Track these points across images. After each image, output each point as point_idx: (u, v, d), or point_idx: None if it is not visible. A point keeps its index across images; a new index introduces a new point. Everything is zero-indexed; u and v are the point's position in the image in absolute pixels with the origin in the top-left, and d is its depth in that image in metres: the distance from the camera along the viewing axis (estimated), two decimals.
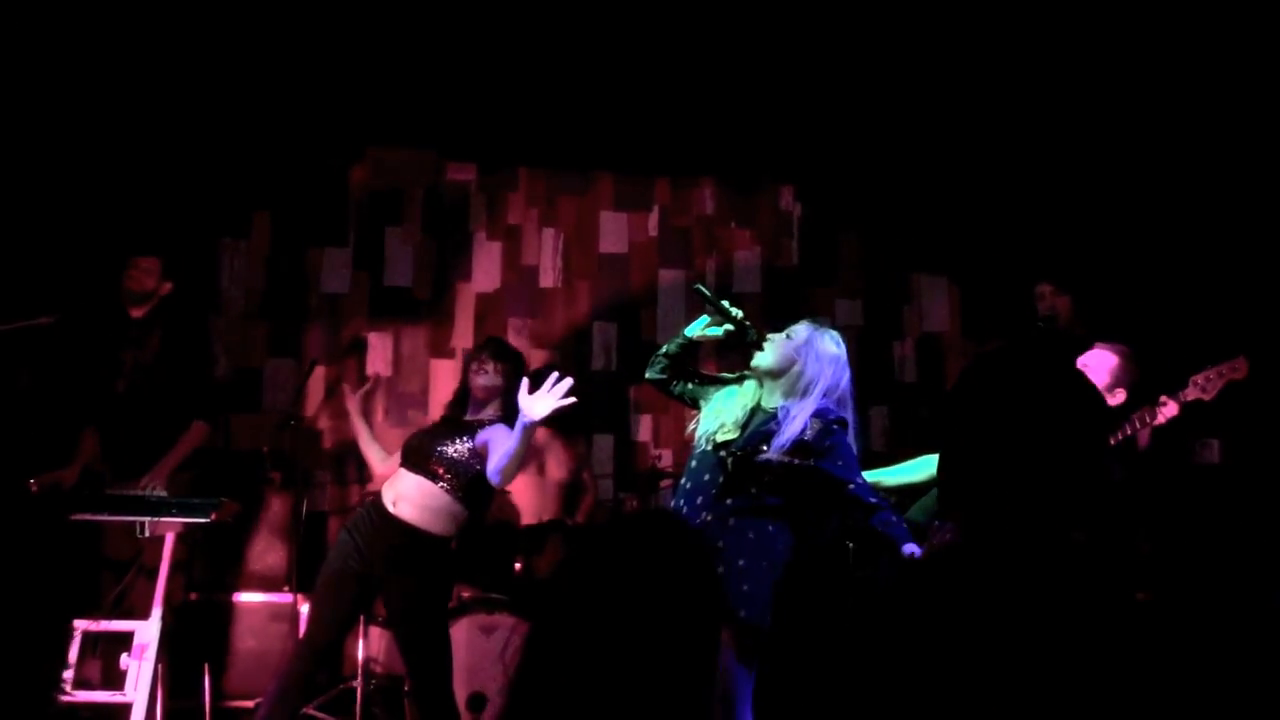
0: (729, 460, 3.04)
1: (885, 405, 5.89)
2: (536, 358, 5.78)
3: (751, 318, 3.14)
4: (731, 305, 3.09)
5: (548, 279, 5.89)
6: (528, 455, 3.59)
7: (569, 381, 3.13)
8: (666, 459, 5.65)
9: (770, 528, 3.01)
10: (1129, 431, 4.11)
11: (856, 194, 6.01)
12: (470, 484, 3.53)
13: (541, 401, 3.13)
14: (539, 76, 5.58)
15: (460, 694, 4.01)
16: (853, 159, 5.93)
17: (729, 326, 3.08)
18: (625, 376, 5.82)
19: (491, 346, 3.79)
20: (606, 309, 5.90)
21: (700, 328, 3.16)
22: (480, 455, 3.52)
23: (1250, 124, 4.89)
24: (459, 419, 3.72)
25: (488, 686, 4.15)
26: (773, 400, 3.10)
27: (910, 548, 2.91)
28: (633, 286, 5.93)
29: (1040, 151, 5.64)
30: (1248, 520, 4.56)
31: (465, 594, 4.52)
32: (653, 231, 5.99)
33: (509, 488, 4.97)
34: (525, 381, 3.23)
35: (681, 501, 3.10)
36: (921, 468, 3.48)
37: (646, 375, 3.25)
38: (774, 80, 5.66)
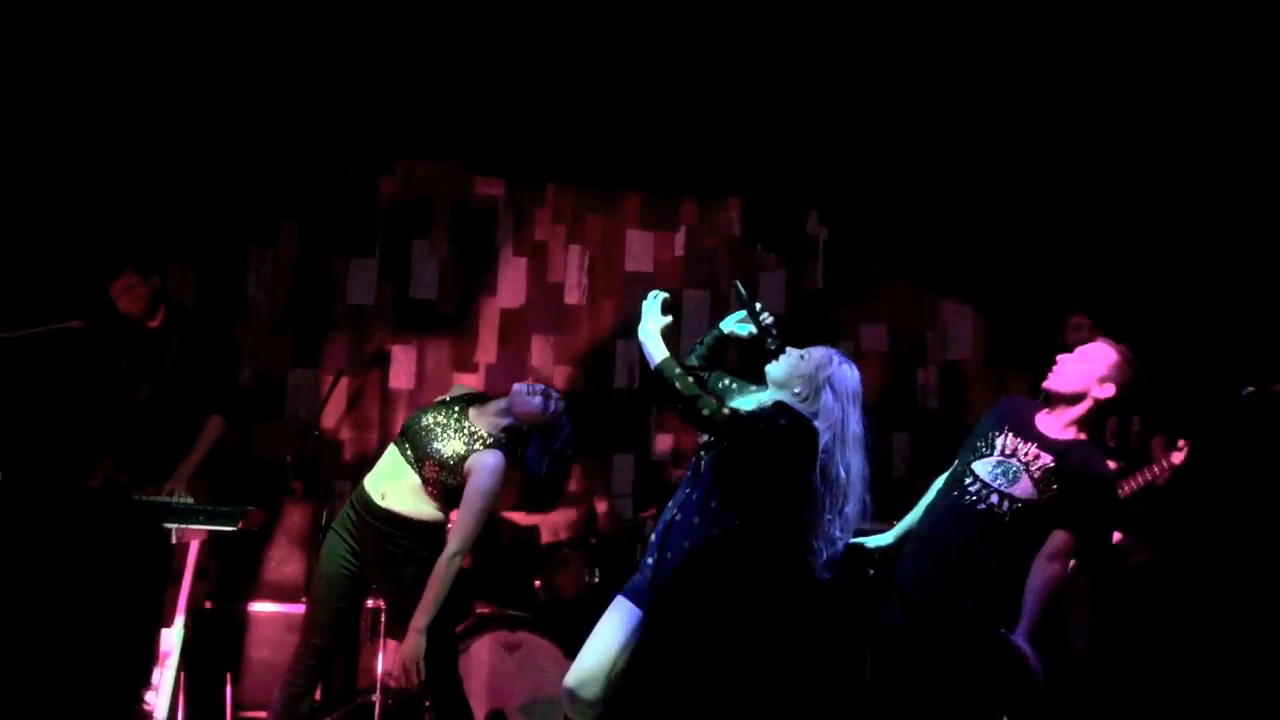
0: (701, 459, 3.06)
1: (907, 432, 5.88)
2: (560, 374, 5.78)
3: (784, 333, 3.16)
4: (764, 312, 3.16)
5: (573, 296, 5.89)
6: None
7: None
8: None
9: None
10: (1149, 476, 4.16)
11: (882, 219, 6.00)
12: (450, 493, 3.40)
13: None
14: (569, 94, 5.60)
15: (480, 712, 3.98)
16: (878, 184, 5.93)
17: (753, 329, 3.18)
18: (647, 395, 5.80)
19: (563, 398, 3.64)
20: (630, 327, 5.87)
21: (733, 323, 3.31)
22: (462, 477, 3.37)
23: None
24: (465, 414, 3.49)
25: (509, 704, 4.11)
26: None
27: None
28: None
29: (1067, 182, 5.64)
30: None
31: (485, 610, 4.49)
32: (679, 251, 5.99)
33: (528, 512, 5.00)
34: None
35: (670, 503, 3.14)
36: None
37: (686, 360, 3.32)
38: (802, 105, 5.67)
